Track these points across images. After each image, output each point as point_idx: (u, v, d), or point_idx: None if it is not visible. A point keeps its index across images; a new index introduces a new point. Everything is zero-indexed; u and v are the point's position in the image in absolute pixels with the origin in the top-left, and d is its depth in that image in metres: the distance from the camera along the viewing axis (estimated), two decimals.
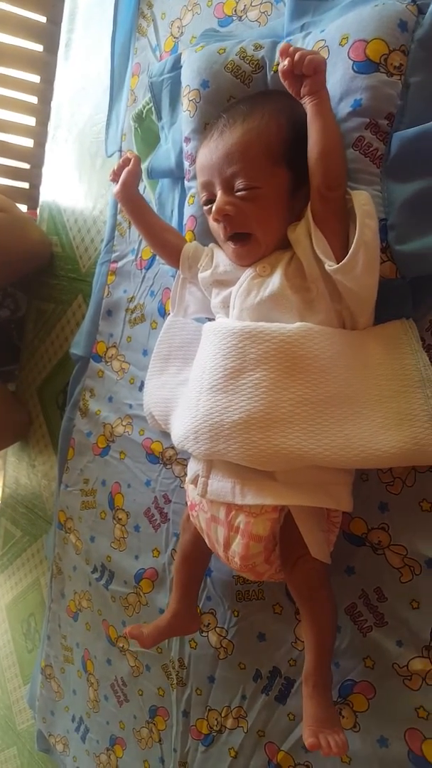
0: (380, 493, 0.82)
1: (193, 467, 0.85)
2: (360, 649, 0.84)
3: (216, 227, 0.82)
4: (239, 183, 0.77)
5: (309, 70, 0.70)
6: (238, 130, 0.78)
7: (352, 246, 0.71)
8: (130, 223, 1.28)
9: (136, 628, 1.00)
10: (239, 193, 0.77)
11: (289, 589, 0.87)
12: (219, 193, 0.79)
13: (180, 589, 0.98)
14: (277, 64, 0.87)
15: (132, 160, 0.96)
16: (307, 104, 0.73)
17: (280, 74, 0.73)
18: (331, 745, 0.71)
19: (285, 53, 0.72)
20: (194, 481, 0.84)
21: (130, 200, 0.97)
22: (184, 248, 0.94)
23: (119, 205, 1.30)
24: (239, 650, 1.00)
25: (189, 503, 0.89)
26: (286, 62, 0.72)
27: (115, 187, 0.97)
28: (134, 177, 0.96)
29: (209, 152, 0.81)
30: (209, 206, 0.82)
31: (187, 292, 0.97)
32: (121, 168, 0.97)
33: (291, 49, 0.72)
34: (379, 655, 0.82)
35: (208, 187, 0.82)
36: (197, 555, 0.94)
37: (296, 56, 0.71)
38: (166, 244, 0.97)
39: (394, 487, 0.81)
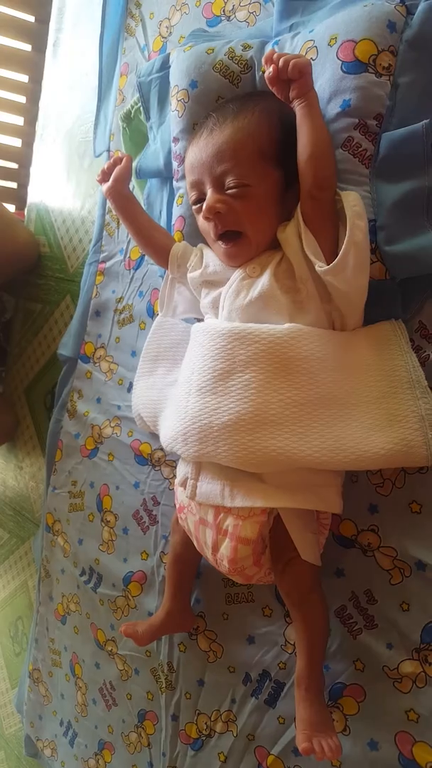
0: (370, 495, 0.82)
1: (182, 469, 0.85)
2: (350, 652, 0.83)
3: (206, 226, 0.81)
4: (230, 181, 0.76)
5: (294, 74, 0.71)
6: (228, 128, 0.77)
7: (343, 247, 0.71)
8: (118, 223, 1.27)
9: (131, 626, 1.02)
10: (230, 191, 0.77)
11: (280, 592, 0.87)
12: (209, 192, 0.78)
13: (172, 587, 1.00)
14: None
15: (124, 159, 0.95)
16: (296, 107, 0.73)
17: (267, 82, 0.74)
18: (324, 749, 0.71)
19: (269, 60, 0.73)
20: (183, 484, 0.83)
21: (121, 198, 0.96)
22: (173, 248, 0.93)
23: (108, 205, 1.29)
24: (228, 653, 1.00)
25: (178, 505, 0.89)
26: (271, 69, 0.72)
27: (106, 185, 0.96)
28: (126, 175, 0.96)
29: (199, 151, 0.80)
30: (199, 206, 0.81)
31: (176, 292, 0.97)
32: (111, 167, 0.96)
33: (275, 55, 0.72)
34: (369, 657, 0.82)
35: (197, 186, 0.81)
36: (188, 554, 0.94)
37: (280, 62, 0.71)
38: (155, 244, 0.96)
39: (384, 489, 0.81)
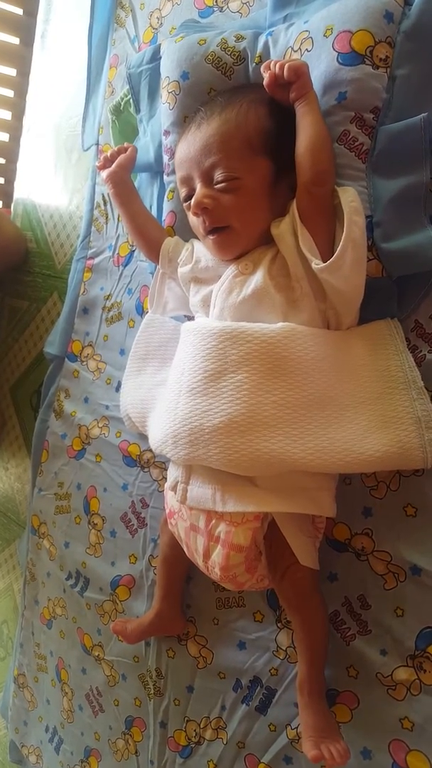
0: (364, 498, 0.81)
1: (173, 473, 0.83)
2: (343, 658, 0.82)
3: (196, 222, 0.80)
4: (218, 174, 0.75)
5: (291, 76, 0.71)
6: (215, 121, 0.76)
7: (340, 244, 0.69)
8: (107, 218, 1.24)
9: (120, 624, 1.04)
10: (219, 186, 0.75)
11: (279, 598, 0.85)
12: (198, 186, 0.77)
13: (162, 589, 0.99)
14: (259, 56, 0.85)
15: (129, 149, 0.96)
16: (298, 108, 0.73)
17: (266, 88, 0.74)
18: (334, 754, 0.71)
19: (266, 68, 0.74)
20: (174, 488, 0.81)
21: (120, 184, 0.95)
22: (165, 242, 0.91)
23: (96, 200, 1.27)
24: (219, 659, 0.98)
25: (168, 510, 0.87)
26: (267, 76, 0.73)
27: (108, 170, 0.95)
28: (130, 163, 0.96)
29: (187, 146, 0.79)
30: (189, 202, 0.79)
31: (166, 288, 0.95)
32: (115, 154, 0.96)
33: (271, 63, 0.74)
34: (362, 664, 0.80)
35: (187, 182, 0.80)
36: (178, 556, 0.92)
37: (276, 67, 0.72)
38: (148, 237, 0.94)
39: (378, 492, 0.79)
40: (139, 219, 0.96)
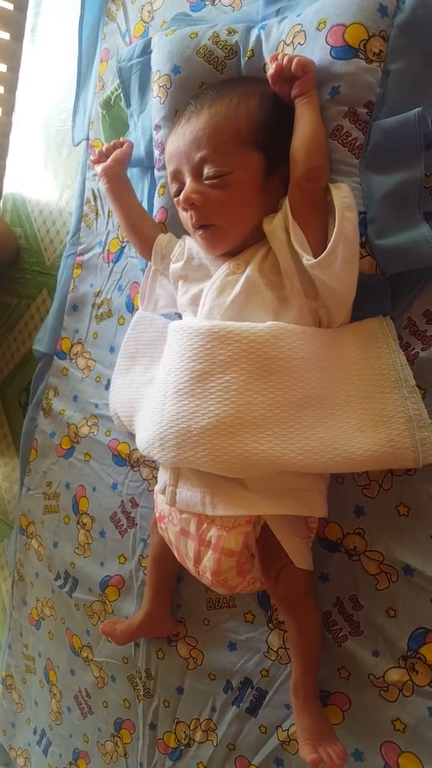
0: (356, 497, 0.80)
1: (163, 476, 0.82)
2: (335, 660, 0.81)
3: (185, 216, 0.79)
4: (208, 169, 0.73)
5: (299, 71, 0.71)
6: (205, 114, 0.75)
7: (332, 239, 0.68)
8: (96, 214, 1.23)
9: (110, 624, 1.03)
10: (208, 181, 0.74)
11: (273, 600, 0.85)
12: (188, 181, 0.76)
13: (152, 589, 0.98)
14: (251, 50, 0.84)
15: (126, 144, 0.95)
16: (298, 104, 0.72)
17: (269, 79, 0.74)
18: (333, 757, 0.71)
19: (273, 59, 0.73)
20: (163, 491, 0.80)
21: (115, 180, 0.94)
22: (158, 238, 0.90)
23: (86, 195, 1.25)
24: (209, 660, 0.97)
25: (158, 514, 0.85)
26: (274, 66, 0.72)
27: (103, 164, 0.94)
28: (126, 158, 0.95)
29: (177, 140, 0.78)
30: (179, 197, 0.78)
31: (158, 284, 0.93)
32: (111, 149, 0.95)
33: (279, 55, 0.74)
34: (354, 665, 0.79)
35: (177, 176, 0.79)
36: (168, 555, 0.90)
37: (284, 60, 0.71)
38: (142, 233, 0.93)
39: (371, 491, 0.79)
40: (133, 216, 0.94)
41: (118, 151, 0.94)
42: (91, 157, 0.98)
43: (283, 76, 0.72)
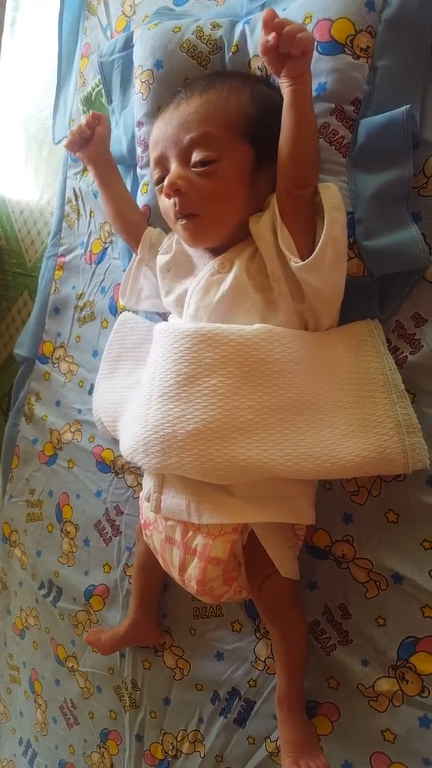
0: (344, 503, 0.78)
1: (148, 482, 0.80)
2: (324, 669, 0.80)
3: (167, 205, 0.75)
4: (197, 155, 0.71)
5: (297, 50, 0.61)
6: (196, 100, 0.72)
7: (320, 241, 0.66)
8: (78, 214, 1.20)
9: (94, 634, 1.01)
10: (196, 168, 0.71)
11: (258, 609, 0.83)
12: (173, 166, 0.72)
13: (137, 598, 0.97)
14: (236, 46, 0.82)
15: (101, 118, 0.88)
16: (286, 88, 0.65)
17: (260, 48, 0.64)
18: None
19: (270, 25, 0.61)
20: (149, 498, 0.78)
21: (101, 163, 0.90)
22: (148, 229, 0.88)
23: (67, 195, 1.22)
24: (196, 670, 0.95)
25: (143, 521, 0.83)
26: (270, 37, 0.61)
27: (86, 150, 0.89)
28: (107, 136, 0.91)
29: (164, 124, 0.75)
30: (161, 185, 0.74)
31: (142, 275, 0.90)
32: (84, 129, 0.87)
33: (276, 20, 0.61)
34: (343, 675, 0.78)
35: (161, 162, 0.75)
36: (154, 564, 0.88)
37: (284, 31, 0.61)
38: (129, 221, 0.90)
39: (359, 497, 0.77)
40: (120, 203, 0.91)
41: (99, 129, 0.88)
42: (64, 144, 0.91)
43: (278, 49, 0.62)
